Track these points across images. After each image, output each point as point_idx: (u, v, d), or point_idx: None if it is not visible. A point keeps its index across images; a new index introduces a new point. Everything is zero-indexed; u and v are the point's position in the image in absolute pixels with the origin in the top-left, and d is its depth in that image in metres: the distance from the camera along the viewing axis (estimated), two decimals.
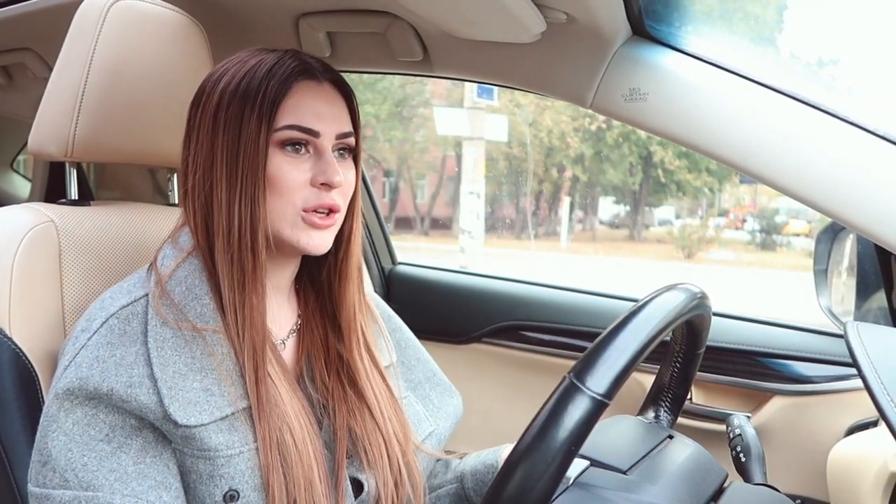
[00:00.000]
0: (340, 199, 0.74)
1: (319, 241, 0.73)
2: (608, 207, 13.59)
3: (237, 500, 0.67)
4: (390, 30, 1.02)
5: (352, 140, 0.76)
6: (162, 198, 1.51)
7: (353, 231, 0.80)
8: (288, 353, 0.80)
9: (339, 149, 0.75)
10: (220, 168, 0.71)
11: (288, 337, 0.80)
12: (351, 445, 0.76)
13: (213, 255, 0.71)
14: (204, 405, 0.66)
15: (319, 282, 0.82)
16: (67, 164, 0.90)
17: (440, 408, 0.90)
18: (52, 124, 0.85)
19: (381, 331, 0.88)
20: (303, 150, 0.72)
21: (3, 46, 1.30)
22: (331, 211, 0.73)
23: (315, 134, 0.72)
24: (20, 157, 2.14)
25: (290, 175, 0.71)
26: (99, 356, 0.66)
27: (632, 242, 12.27)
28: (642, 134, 11.02)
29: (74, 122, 0.84)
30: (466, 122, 8.59)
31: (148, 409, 0.65)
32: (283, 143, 0.71)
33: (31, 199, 1.75)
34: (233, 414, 0.68)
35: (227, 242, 0.70)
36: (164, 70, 0.89)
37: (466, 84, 8.68)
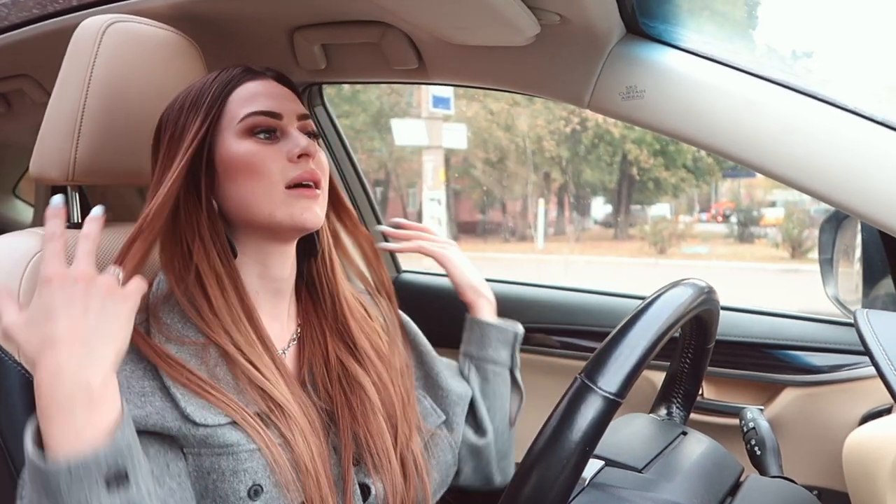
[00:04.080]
0: (319, 172, 0.76)
1: (311, 214, 0.74)
2: (599, 207, 13.70)
3: (261, 494, 0.67)
4: (384, 39, 1.03)
5: (311, 124, 0.79)
6: None
7: (331, 216, 0.83)
8: (290, 361, 0.80)
9: (304, 133, 0.77)
10: (159, 176, 0.73)
11: (288, 346, 0.81)
12: (357, 451, 0.76)
13: (187, 271, 0.73)
14: (218, 409, 0.67)
15: (314, 285, 0.83)
16: (69, 188, 0.90)
17: (450, 391, 0.91)
18: (53, 148, 0.85)
19: (395, 332, 0.89)
20: (272, 138, 0.75)
21: (1, 74, 1.30)
22: (313, 181, 0.74)
23: (277, 116, 0.75)
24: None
25: (266, 156, 0.73)
26: None
27: (615, 241, 12.43)
28: (616, 134, 11.20)
29: (74, 145, 0.84)
30: (424, 132, 8.77)
31: (166, 412, 0.66)
32: (251, 132, 0.74)
33: (34, 224, 1.76)
34: (245, 418, 0.68)
35: (187, 250, 0.72)
36: (162, 89, 0.89)
37: (423, 94, 8.88)
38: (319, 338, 0.81)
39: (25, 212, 2.10)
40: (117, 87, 0.85)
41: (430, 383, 0.91)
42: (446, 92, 8.77)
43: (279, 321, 0.80)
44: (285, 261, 0.79)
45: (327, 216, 0.82)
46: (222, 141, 0.74)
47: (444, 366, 0.94)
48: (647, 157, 11.69)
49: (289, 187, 0.73)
